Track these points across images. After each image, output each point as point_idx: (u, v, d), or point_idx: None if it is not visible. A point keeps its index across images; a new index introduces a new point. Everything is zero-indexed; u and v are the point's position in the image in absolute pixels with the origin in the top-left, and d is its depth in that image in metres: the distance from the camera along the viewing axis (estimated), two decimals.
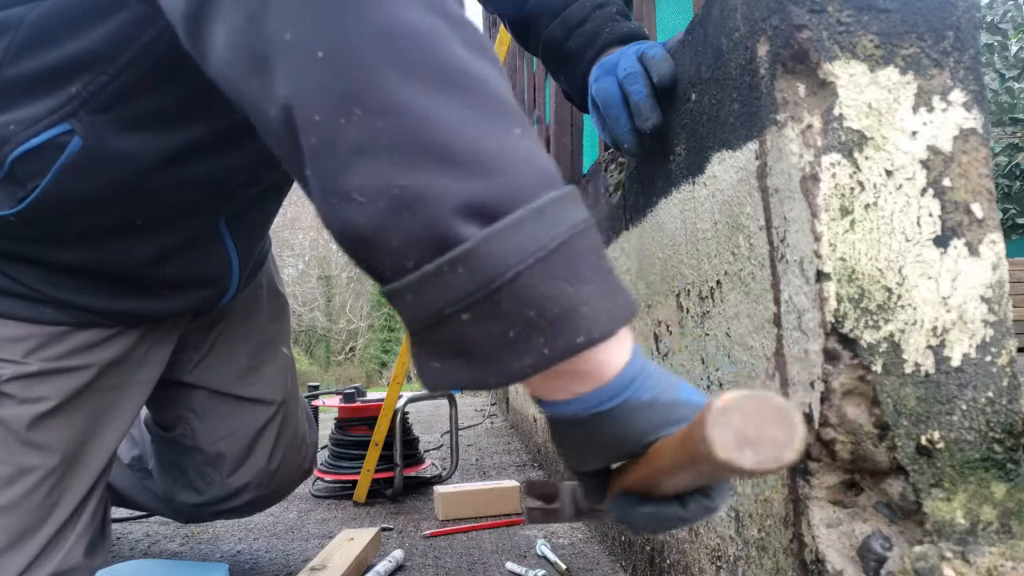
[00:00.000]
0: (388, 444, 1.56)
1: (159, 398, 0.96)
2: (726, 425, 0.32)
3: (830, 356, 0.47)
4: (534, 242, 0.37)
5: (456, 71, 0.39)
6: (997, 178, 7.82)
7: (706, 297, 0.67)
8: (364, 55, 0.38)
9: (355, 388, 1.75)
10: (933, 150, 0.48)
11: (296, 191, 0.61)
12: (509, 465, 1.96)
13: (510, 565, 1.04)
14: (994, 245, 0.48)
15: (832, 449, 0.48)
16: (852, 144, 0.48)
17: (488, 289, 0.36)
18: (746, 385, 0.60)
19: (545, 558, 1.08)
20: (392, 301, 0.39)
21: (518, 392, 2.51)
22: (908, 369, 0.47)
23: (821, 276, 0.47)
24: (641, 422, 0.41)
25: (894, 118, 0.48)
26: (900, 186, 0.48)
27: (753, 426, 0.32)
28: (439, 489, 1.40)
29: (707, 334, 0.68)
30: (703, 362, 0.69)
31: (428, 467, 1.75)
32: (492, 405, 3.53)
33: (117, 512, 1.39)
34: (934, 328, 0.47)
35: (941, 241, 0.48)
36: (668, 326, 0.80)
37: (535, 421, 1.95)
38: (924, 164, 0.48)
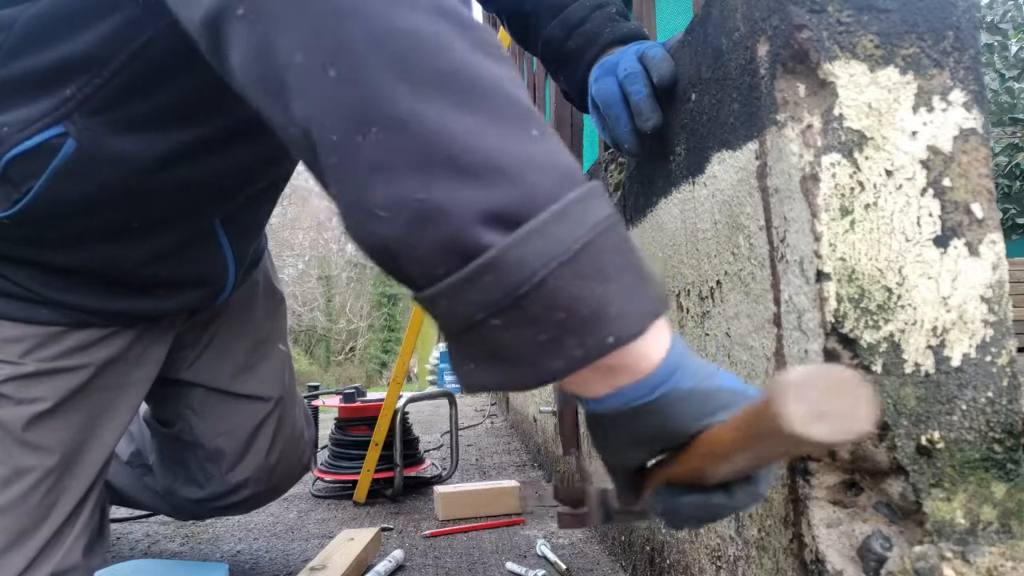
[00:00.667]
0: (388, 444, 1.56)
1: (157, 396, 0.96)
2: (801, 399, 0.32)
3: (830, 356, 0.47)
4: (558, 245, 0.37)
5: (467, 78, 0.39)
6: (997, 178, 7.81)
7: (706, 297, 0.67)
8: (373, 69, 0.38)
9: (355, 388, 1.75)
10: (933, 150, 0.48)
11: (294, 191, 0.61)
12: (509, 465, 1.96)
13: (510, 565, 1.04)
14: (994, 245, 0.48)
15: (832, 449, 0.48)
16: (852, 144, 0.48)
17: (516, 295, 0.37)
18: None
19: (545, 558, 1.08)
20: (425, 307, 0.40)
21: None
22: (908, 369, 0.47)
23: (821, 276, 0.47)
24: (685, 412, 0.41)
25: (894, 118, 0.48)
26: (900, 186, 0.48)
27: (825, 399, 0.32)
28: (439, 489, 1.40)
29: (707, 334, 0.68)
30: None
31: (428, 467, 1.75)
32: (492, 405, 3.53)
33: (117, 512, 1.39)
34: (934, 328, 0.47)
35: (941, 241, 0.47)
36: None
37: (535, 421, 1.95)
38: (924, 164, 0.48)
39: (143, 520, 1.41)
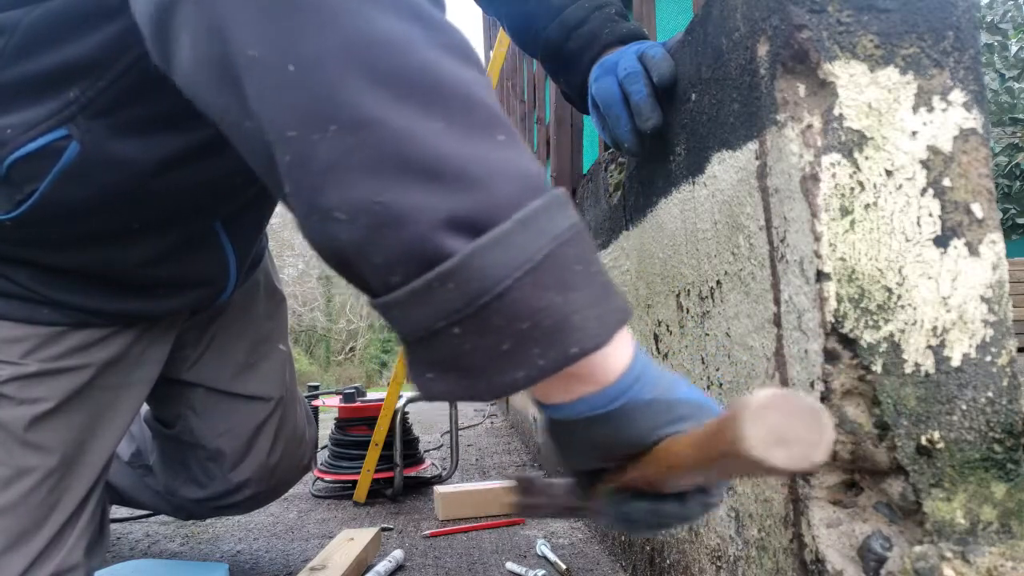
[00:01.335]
0: (388, 444, 1.56)
1: (158, 395, 0.96)
2: (761, 423, 0.32)
3: (830, 356, 0.47)
4: (521, 254, 0.36)
5: (433, 80, 0.38)
6: (997, 178, 7.82)
7: (706, 297, 0.67)
8: (335, 67, 0.37)
9: (355, 388, 1.75)
10: (933, 150, 0.48)
11: None
12: (509, 465, 1.96)
13: (510, 565, 1.04)
14: (994, 245, 0.48)
15: (832, 449, 0.48)
16: (852, 144, 0.48)
17: (477, 304, 0.36)
18: (760, 385, 0.60)
19: (545, 558, 1.08)
20: (383, 314, 0.39)
21: None
22: (908, 369, 0.47)
23: (821, 276, 0.47)
24: (644, 422, 0.41)
25: (894, 118, 0.48)
26: (900, 186, 0.48)
27: (786, 425, 0.32)
28: (439, 489, 1.40)
29: (707, 334, 0.68)
30: (703, 362, 0.69)
31: (428, 467, 1.75)
32: (492, 405, 3.53)
33: (117, 512, 1.39)
34: (934, 328, 0.47)
35: (941, 241, 0.48)
36: (668, 326, 0.80)
37: (535, 421, 1.95)
38: (924, 164, 0.48)
39: (143, 520, 1.41)
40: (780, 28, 0.50)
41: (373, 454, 1.53)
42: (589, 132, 1.87)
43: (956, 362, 0.47)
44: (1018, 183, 8.22)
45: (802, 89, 0.49)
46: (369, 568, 1.04)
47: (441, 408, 3.39)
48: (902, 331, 0.47)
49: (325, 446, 1.77)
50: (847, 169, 0.48)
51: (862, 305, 0.47)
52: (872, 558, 0.46)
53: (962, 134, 0.48)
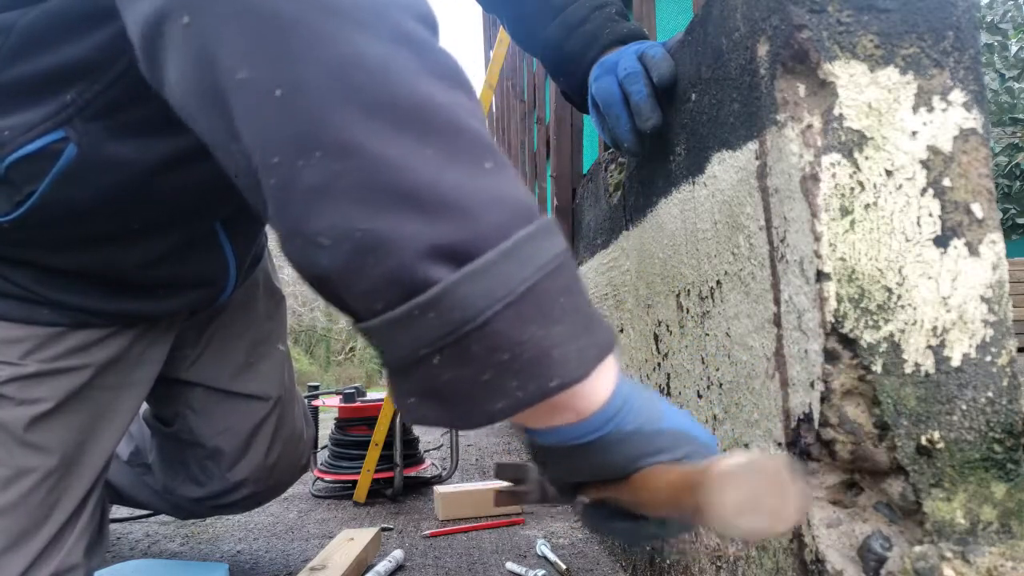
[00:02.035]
0: (388, 444, 1.56)
1: (157, 394, 0.96)
2: (728, 490, 0.32)
3: (830, 356, 0.47)
4: (504, 285, 0.36)
5: (420, 106, 0.37)
6: (997, 178, 7.81)
7: (706, 297, 0.67)
8: (322, 93, 0.36)
9: (355, 388, 1.75)
10: (933, 150, 0.48)
11: None
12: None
13: (510, 565, 1.04)
14: (994, 245, 0.48)
15: (832, 449, 0.48)
16: (852, 144, 0.48)
17: (458, 334, 0.36)
18: (760, 385, 0.60)
19: (545, 558, 1.08)
20: (365, 337, 0.39)
21: None
22: (908, 369, 0.47)
23: (821, 276, 0.47)
24: (623, 453, 0.41)
25: (894, 118, 0.48)
26: (900, 186, 0.48)
27: (754, 494, 0.32)
28: (439, 489, 1.40)
29: (707, 334, 0.68)
30: (703, 362, 0.69)
31: (428, 467, 1.75)
32: None
33: (117, 512, 1.39)
34: (934, 328, 0.47)
35: (941, 241, 0.47)
36: (668, 326, 0.80)
37: None
38: (924, 164, 0.48)
39: (143, 520, 1.41)
40: (780, 28, 0.50)
41: (373, 454, 1.53)
42: (589, 132, 1.87)
43: (956, 362, 0.47)
44: (1018, 183, 8.22)
45: (802, 89, 0.49)
46: (369, 568, 1.04)
47: None
48: (902, 331, 0.47)
49: (325, 446, 1.77)
50: (847, 169, 0.48)
51: (862, 305, 0.47)
52: (872, 558, 0.46)
53: (962, 134, 0.48)
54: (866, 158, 0.48)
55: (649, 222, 0.84)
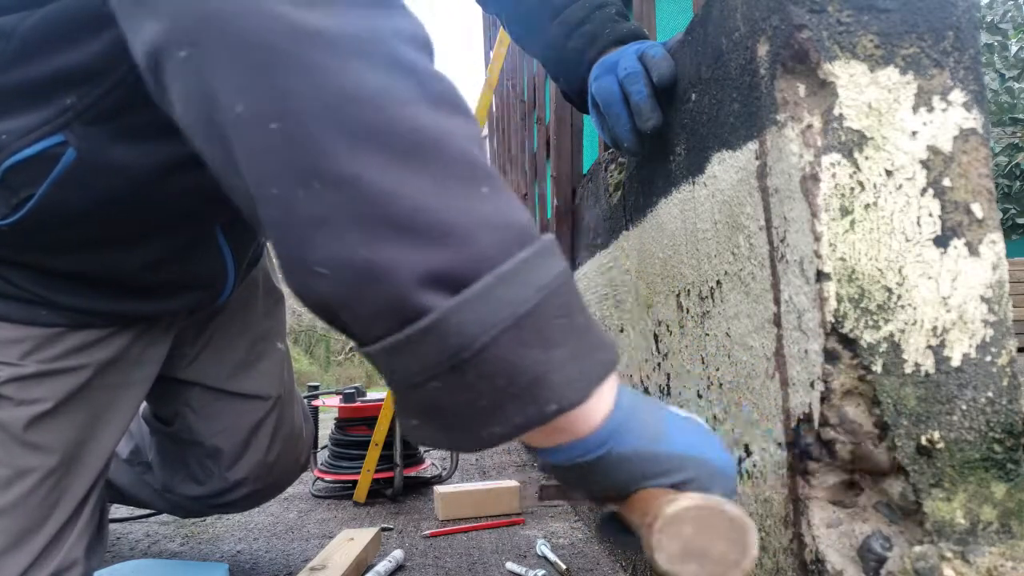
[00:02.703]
0: (388, 444, 1.56)
1: (156, 393, 0.96)
2: (674, 534, 0.31)
3: (830, 356, 0.47)
4: (501, 310, 0.36)
5: (413, 135, 0.37)
6: (997, 178, 7.82)
7: (706, 297, 0.67)
8: (317, 124, 0.36)
9: (355, 388, 1.75)
10: (933, 150, 0.48)
11: None
12: (509, 465, 1.96)
13: (510, 565, 1.04)
14: (994, 245, 0.48)
15: (832, 449, 0.48)
16: (852, 144, 0.48)
17: (455, 360, 0.36)
18: (760, 386, 0.60)
19: (545, 558, 1.08)
20: (369, 360, 0.39)
21: None
22: (908, 369, 0.47)
23: (821, 276, 0.47)
24: (622, 473, 0.41)
25: (894, 118, 0.48)
26: (900, 186, 0.48)
27: (703, 539, 0.31)
28: (439, 489, 1.40)
29: (707, 334, 0.68)
30: (703, 362, 0.69)
31: (428, 467, 1.75)
32: None
33: (117, 512, 1.39)
34: (934, 328, 0.47)
35: (941, 241, 0.47)
36: (668, 326, 0.80)
37: None
38: (924, 164, 0.48)
39: (143, 520, 1.41)
40: (780, 28, 0.50)
41: (373, 454, 1.53)
42: (589, 132, 1.87)
43: (956, 362, 0.47)
44: (1018, 183, 8.22)
45: (802, 89, 0.49)
46: (369, 568, 1.04)
47: None
48: (902, 331, 0.47)
49: (325, 446, 1.77)
50: (847, 169, 0.48)
51: (862, 305, 0.47)
52: (872, 558, 0.46)
53: (962, 134, 0.48)
54: (866, 158, 0.48)
55: (649, 222, 0.84)
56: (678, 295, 0.75)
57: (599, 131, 0.80)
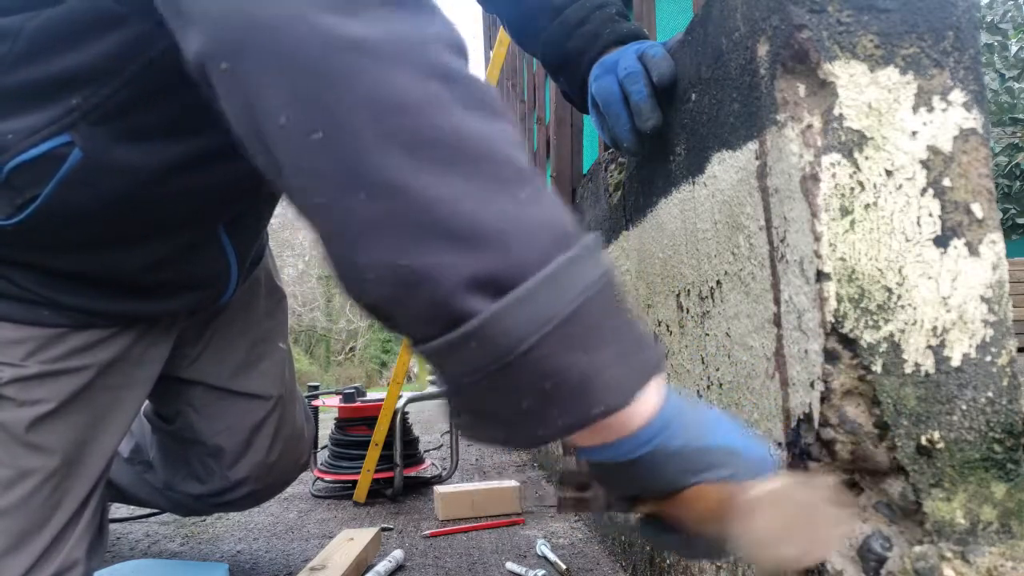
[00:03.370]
0: (388, 444, 1.56)
1: (157, 392, 0.96)
2: (755, 519, 0.31)
3: (830, 356, 0.47)
4: (545, 313, 0.36)
5: (455, 141, 0.38)
6: (997, 178, 7.81)
7: (706, 297, 0.67)
8: (360, 134, 0.37)
9: (355, 388, 1.75)
10: (933, 150, 0.48)
11: None
12: (509, 465, 1.96)
13: (510, 565, 1.04)
14: (994, 245, 0.48)
15: (832, 449, 0.48)
16: (852, 144, 0.48)
17: (500, 363, 0.36)
18: (760, 386, 0.60)
19: (545, 558, 1.08)
20: (424, 360, 0.40)
21: None
22: (908, 369, 0.47)
23: (821, 276, 0.47)
24: (670, 470, 0.41)
25: (894, 118, 0.48)
26: (900, 186, 0.48)
27: (784, 522, 0.31)
28: (439, 489, 1.40)
29: (707, 334, 0.68)
30: (703, 362, 0.69)
31: (428, 467, 1.75)
32: None
33: (117, 512, 1.39)
34: (934, 328, 0.47)
35: (941, 241, 0.48)
36: (668, 326, 0.80)
37: None
38: (924, 164, 0.48)
39: (143, 520, 1.41)
40: (780, 28, 0.50)
41: (373, 454, 1.53)
42: (589, 132, 1.87)
43: (956, 362, 0.47)
44: (1018, 183, 8.22)
45: (802, 89, 0.49)
46: (369, 568, 1.04)
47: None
48: (902, 331, 0.47)
49: (325, 446, 1.77)
50: (847, 169, 0.48)
51: (862, 305, 0.47)
52: (872, 558, 0.46)
53: (962, 134, 0.48)
54: (866, 158, 0.48)
55: (649, 222, 0.84)
56: (678, 295, 0.75)
57: (599, 131, 0.80)
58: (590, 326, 0.37)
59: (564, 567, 1.02)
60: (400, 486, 1.55)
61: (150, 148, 0.64)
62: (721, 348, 0.64)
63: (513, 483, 1.42)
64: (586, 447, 0.42)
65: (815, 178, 0.48)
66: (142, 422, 1.12)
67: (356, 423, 1.68)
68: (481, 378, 0.37)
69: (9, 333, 0.74)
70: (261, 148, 0.40)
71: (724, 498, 0.36)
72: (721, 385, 0.65)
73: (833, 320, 0.47)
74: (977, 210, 0.48)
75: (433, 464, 1.84)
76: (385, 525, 1.33)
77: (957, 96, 0.49)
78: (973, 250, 0.48)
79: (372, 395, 1.81)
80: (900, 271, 0.47)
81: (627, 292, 0.97)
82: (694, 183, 0.68)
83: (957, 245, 0.48)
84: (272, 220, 0.96)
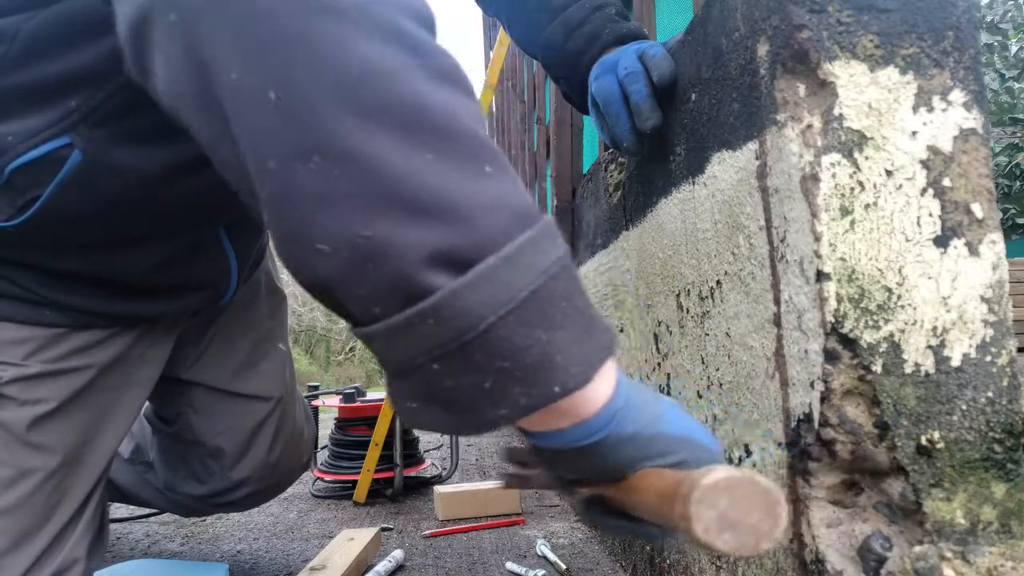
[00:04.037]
0: (388, 444, 1.56)
1: (158, 393, 0.96)
2: (711, 504, 0.32)
3: (830, 356, 0.47)
4: (505, 292, 0.36)
5: (418, 111, 0.37)
6: (997, 178, 7.81)
7: (706, 297, 0.67)
8: (318, 97, 0.35)
9: (355, 388, 1.75)
10: (933, 150, 0.48)
11: None
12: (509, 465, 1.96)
13: (510, 565, 1.04)
14: (994, 245, 0.48)
15: (832, 449, 0.48)
16: (852, 144, 0.48)
17: (459, 342, 0.35)
18: (760, 386, 0.60)
19: (545, 558, 1.08)
20: (364, 342, 0.38)
21: None
22: (908, 369, 0.47)
23: (821, 276, 0.47)
24: (621, 455, 0.41)
25: (894, 118, 0.48)
26: (900, 186, 0.48)
27: (738, 510, 0.32)
28: (439, 489, 1.40)
29: (707, 334, 0.68)
30: (703, 362, 0.69)
31: (428, 467, 1.75)
32: None
33: (117, 512, 1.39)
34: (934, 328, 0.47)
35: (941, 241, 0.48)
36: (668, 326, 0.80)
37: None
38: (924, 164, 0.48)
39: (143, 520, 1.41)
40: (780, 28, 0.50)
41: (373, 454, 1.53)
42: (589, 132, 1.87)
43: (956, 362, 0.47)
44: (1018, 183, 8.21)
45: (802, 89, 0.49)
46: (369, 568, 1.04)
47: None
48: (902, 331, 0.47)
49: (325, 446, 1.77)
50: (847, 169, 0.48)
51: (862, 305, 0.47)
52: (872, 558, 0.46)
53: (962, 134, 0.48)
54: (866, 158, 0.48)
55: (649, 222, 0.84)
56: (678, 295, 0.75)
57: (599, 131, 0.80)
58: (550, 306, 0.37)
59: (564, 567, 1.02)
60: (400, 486, 1.55)
61: (150, 150, 0.64)
62: (721, 348, 0.64)
63: None
64: (538, 432, 0.42)
65: (815, 178, 0.48)
66: (143, 423, 1.12)
67: (356, 423, 1.68)
68: (438, 357, 0.36)
69: (10, 333, 0.74)
70: (207, 108, 0.38)
71: (672, 484, 0.36)
72: (721, 385, 0.65)
73: (833, 320, 0.47)
74: (977, 210, 0.48)
75: (433, 464, 1.84)
76: (385, 525, 1.33)
77: (957, 96, 0.49)
78: (973, 250, 0.48)
79: (372, 395, 1.81)
80: (900, 271, 0.47)
81: (627, 292, 0.97)
82: (694, 183, 0.68)
83: (957, 245, 0.48)
84: None
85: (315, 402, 1.75)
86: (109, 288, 0.78)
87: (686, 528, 0.32)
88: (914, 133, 0.48)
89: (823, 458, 0.49)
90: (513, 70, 2.92)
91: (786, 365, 0.52)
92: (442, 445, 2.32)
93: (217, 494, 1.03)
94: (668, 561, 0.82)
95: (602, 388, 0.40)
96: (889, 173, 0.48)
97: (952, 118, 0.48)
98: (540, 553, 1.10)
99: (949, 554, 0.44)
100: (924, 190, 0.48)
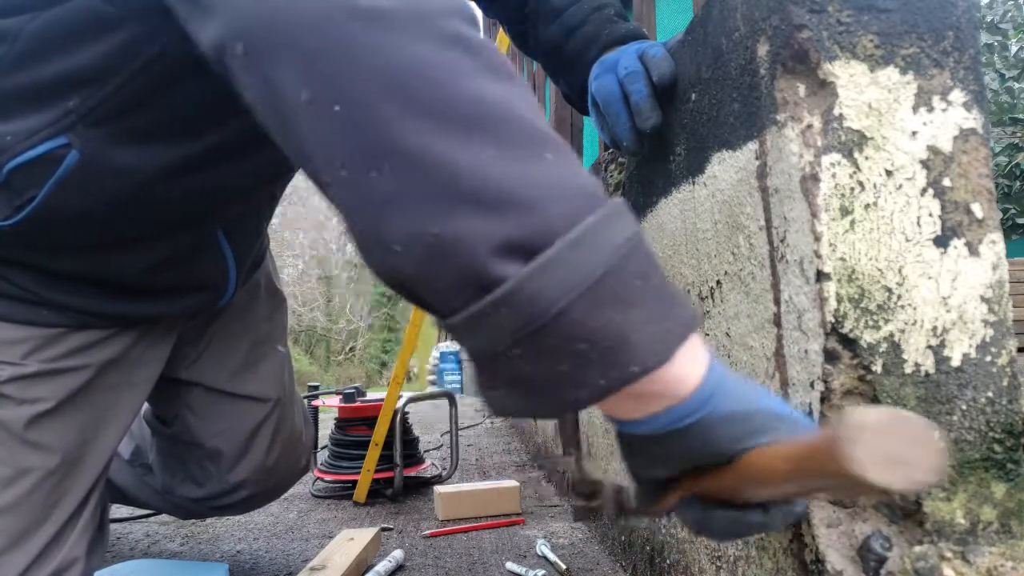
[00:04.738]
0: (388, 444, 1.56)
1: (157, 394, 0.96)
2: (872, 444, 0.31)
3: (830, 356, 0.47)
4: (576, 274, 0.36)
5: (476, 106, 0.38)
6: (997, 178, 7.81)
7: (706, 297, 0.67)
8: (380, 104, 0.37)
9: (355, 388, 1.75)
10: (933, 150, 0.48)
11: (294, 192, 0.61)
12: (509, 465, 1.96)
13: (510, 565, 1.04)
14: (994, 245, 0.48)
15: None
16: (852, 144, 0.48)
17: (533, 327, 0.36)
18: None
19: (545, 558, 1.08)
20: (451, 334, 0.39)
21: None
22: (908, 369, 0.47)
23: (821, 276, 0.47)
24: (723, 435, 0.40)
25: (894, 118, 0.48)
26: (900, 186, 0.48)
27: (897, 446, 0.32)
28: (439, 489, 1.40)
29: (707, 334, 0.68)
30: None
31: (428, 467, 1.75)
32: None
33: (117, 512, 1.39)
34: (934, 328, 0.47)
35: (941, 241, 0.48)
36: None
37: (535, 421, 1.95)
38: (924, 164, 0.48)
39: (143, 520, 1.41)
40: (780, 28, 0.50)
41: (373, 454, 1.53)
42: (589, 132, 1.87)
43: (956, 362, 0.47)
44: (1018, 183, 8.22)
45: (802, 89, 0.49)
46: (369, 568, 1.04)
47: (441, 408, 3.39)
48: (902, 331, 0.47)
49: (325, 446, 1.77)
50: (847, 169, 0.48)
51: (862, 305, 0.47)
52: (872, 558, 0.46)
53: (962, 134, 0.48)
54: (866, 158, 0.48)
55: (649, 222, 0.84)
56: None
57: (599, 130, 0.80)
58: (622, 286, 0.37)
59: (564, 567, 1.02)
60: (400, 486, 1.55)
61: (147, 150, 0.64)
62: (721, 348, 0.64)
63: (513, 483, 1.42)
64: (633, 419, 0.41)
65: (815, 178, 0.48)
66: (142, 425, 1.12)
67: (356, 423, 1.68)
68: (515, 343, 0.37)
69: (8, 332, 0.74)
70: (281, 127, 0.40)
71: (807, 444, 0.36)
72: None
73: (833, 320, 0.47)
74: (977, 210, 0.48)
75: (433, 464, 1.84)
76: (385, 525, 1.33)
77: (957, 96, 0.49)
78: (973, 250, 0.48)
79: (372, 395, 1.81)
80: (900, 271, 0.47)
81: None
82: (694, 183, 0.68)
83: (957, 245, 0.48)
84: (272, 220, 0.96)
85: (315, 402, 1.75)
86: (106, 288, 0.78)
87: (845, 472, 0.32)
88: (914, 133, 0.48)
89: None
90: None
91: (786, 365, 0.52)
92: (442, 445, 2.32)
93: (214, 497, 1.03)
94: (668, 561, 0.82)
95: (690, 367, 0.40)
96: (889, 173, 0.48)
97: (952, 118, 0.48)
98: (540, 553, 1.10)
99: (949, 554, 0.44)
100: (924, 190, 0.48)
